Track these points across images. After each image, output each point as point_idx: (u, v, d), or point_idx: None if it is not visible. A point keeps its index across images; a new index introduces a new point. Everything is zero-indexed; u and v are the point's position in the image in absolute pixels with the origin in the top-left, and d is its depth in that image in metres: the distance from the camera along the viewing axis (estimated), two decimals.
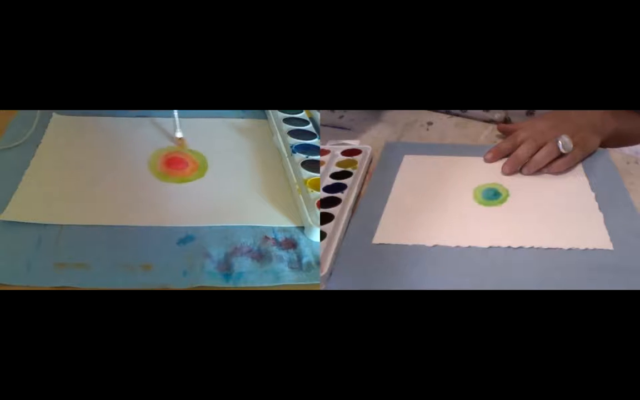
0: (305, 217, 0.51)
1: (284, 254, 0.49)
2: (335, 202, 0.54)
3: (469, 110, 0.70)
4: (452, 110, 0.71)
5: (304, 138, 0.61)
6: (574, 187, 0.56)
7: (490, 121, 0.69)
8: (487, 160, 0.60)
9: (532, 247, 0.48)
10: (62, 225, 0.48)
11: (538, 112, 0.65)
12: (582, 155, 0.59)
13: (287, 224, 0.52)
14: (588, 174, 0.58)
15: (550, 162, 0.58)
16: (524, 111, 0.67)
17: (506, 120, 0.69)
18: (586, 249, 0.47)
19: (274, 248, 0.49)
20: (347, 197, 0.54)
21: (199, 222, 0.51)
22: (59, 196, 0.52)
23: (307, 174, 0.56)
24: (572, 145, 0.57)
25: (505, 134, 0.64)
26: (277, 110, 0.67)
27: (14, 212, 0.49)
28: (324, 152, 0.63)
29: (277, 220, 0.52)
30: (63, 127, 0.53)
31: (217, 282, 0.45)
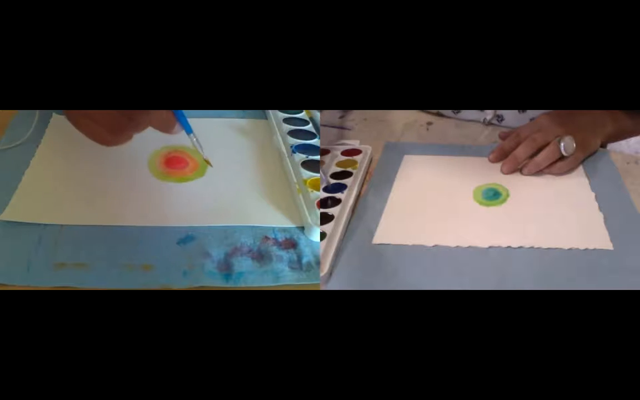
0: (305, 217, 0.51)
1: (284, 254, 0.49)
2: (335, 202, 0.54)
3: (462, 112, 0.70)
4: (445, 112, 0.71)
5: (304, 138, 0.61)
6: (574, 187, 0.56)
7: (484, 120, 0.69)
8: (491, 161, 0.60)
9: (532, 247, 0.48)
10: (62, 225, 0.48)
11: (537, 112, 0.65)
12: (583, 156, 0.59)
13: (287, 224, 0.52)
14: (588, 174, 0.58)
15: (552, 164, 0.58)
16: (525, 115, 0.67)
17: (498, 117, 0.69)
18: (586, 249, 0.47)
19: (274, 248, 0.49)
20: (347, 197, 0.54)
21: (199, 222, 0.51)
22: (59, 196, 0.52)
23: (307, 174, 0.56)
24: (574, 147, 0.57)
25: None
26: (277, 110, 0.67)
27: (14, 212, 0.49)
28: (324, 152, 0.63)
29: (277, 220, 0.52)
30: (63, 127, 0.53)
31: (217, 282, 0.45)
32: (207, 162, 0.52)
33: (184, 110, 0.49)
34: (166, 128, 0.48)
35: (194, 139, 0.50)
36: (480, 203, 0.55)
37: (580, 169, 0.59)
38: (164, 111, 0.47)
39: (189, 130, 0.50)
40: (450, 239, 0.49)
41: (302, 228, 0.52)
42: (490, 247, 0.48)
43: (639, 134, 0.68)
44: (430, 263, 0.47)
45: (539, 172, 0.58)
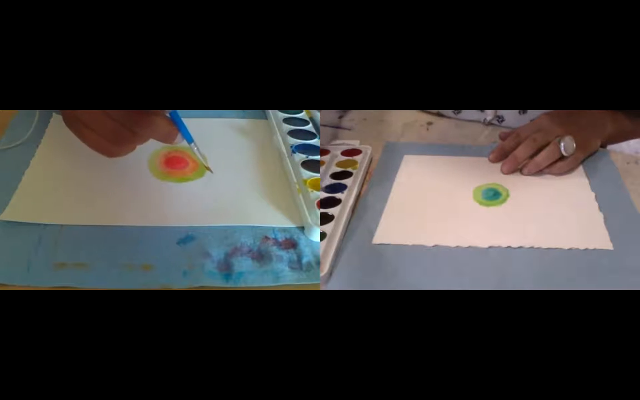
0: (305, 217, 0.51)
1: (284, 254, 0.49)
2: (335, 202, 0.54)
3: (462, 112, 0.70)
4: (445, 112, 0.71)
5: (304, 138, 0.61)
6: (574, 187, 0.56)
7: (484, 120, 0.69)
8: (491, 161, 0.61)
9: (532, 247, 0.48)
10: (62, 225, 0.48)
11: (537, 113, 0.65)
12: (583, 156, 0.59)
13: (287, 224, 0.52)
14: (588, 174, 0.58)
15: (552, 164, 0.58)
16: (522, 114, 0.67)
17: (498, 118, 0.69)
18: (586, 249, 0.47)
19: (274, 248, 0.49)
20: (347, 197, 0.54)
21: (199, 222, 0.51)
22: (59, 196, 0.52)
23: (307, 174, 0.56)
24: (574, 147, 0.57)
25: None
26: (277, 110, 0.67)
27: (14, 212, 0.49)
28: (324, 152, 0.63)
29: (277, 220, 0.52)
30: (63, 127, 0.54)
31: (217, 282, 0.45)
32: (208, 169, 0.53)
33: (183, 117, 0.49)
34: (167, 140, 0.48)
35: (195, 149, 0.51)
36: (480, 203, 0.55)
37: (580, 169, 0.59)
38: (166, 124, 0.48)
39: (190, 140, 0.50)
40: (450, 239, 0.49)
41: (302, 228, 0.52)
42: (490, 247, 0.48)
43: (639, 136, 0.68)
44: (430, 263, 0.47)
45: (539, 172, 0.58)
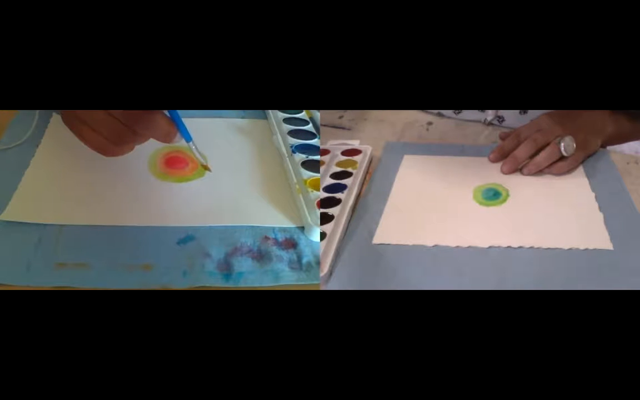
0: (305, 217, 0.51)
1: (284, 254, 0.49)
2: (335, 202, 0.54)
3: (462, 112, 0.70)
4: (445, 112, 0.71)
5: (304, 138, 0.61)
6: (574, 187, 0.56)
7: (484, 120, 0.69)
8: (491, 161, 0.61)
9: (532, 247, 0.48)
10: (62, 225, 0.48)
11: (537, 113, 0.65)
12: (583, 157, 0.59)
13: (287, 224, 0.52)
14: (588, 174, 0.58)
15: (552, 164, 0.58)
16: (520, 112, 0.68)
17: (498, 118, 0.69)
18: (586, 249, 0.48)
19: (274, 248, 0.49)
20: (347, 197, 0.54)
21: (199, 222, 0.51)
22: (59, 196, 0.52)
23: (307, 174, 0.56)
24: (574, 147, 0.57)
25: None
26: (277, 110, 0.67)
27: (14, 212, 0.49)
28: (324, 152, 0.63)
29: (277, 220, 0.52)
30: (63, 127, 0.54)
31: (217, 282, 0.45)
32: (206, 168, 0.53)
33: (183, 117, 0.49)
34: (167, 139, 0.48)
35: (193, 148, 0.51)
36: (480, 203, 0.55)
37: (580, 169, 0.59)
38: (166, 123, 0.48)
39: (188, 139, 0.50)
40: (450, 239, 0.49)
41: (302, 228, 0.52)
42: (490, 247, 0.48)
43: (638, 138, 0.68)
44: (430, 263, 0.47)
45: (539, 172, 0.58)
